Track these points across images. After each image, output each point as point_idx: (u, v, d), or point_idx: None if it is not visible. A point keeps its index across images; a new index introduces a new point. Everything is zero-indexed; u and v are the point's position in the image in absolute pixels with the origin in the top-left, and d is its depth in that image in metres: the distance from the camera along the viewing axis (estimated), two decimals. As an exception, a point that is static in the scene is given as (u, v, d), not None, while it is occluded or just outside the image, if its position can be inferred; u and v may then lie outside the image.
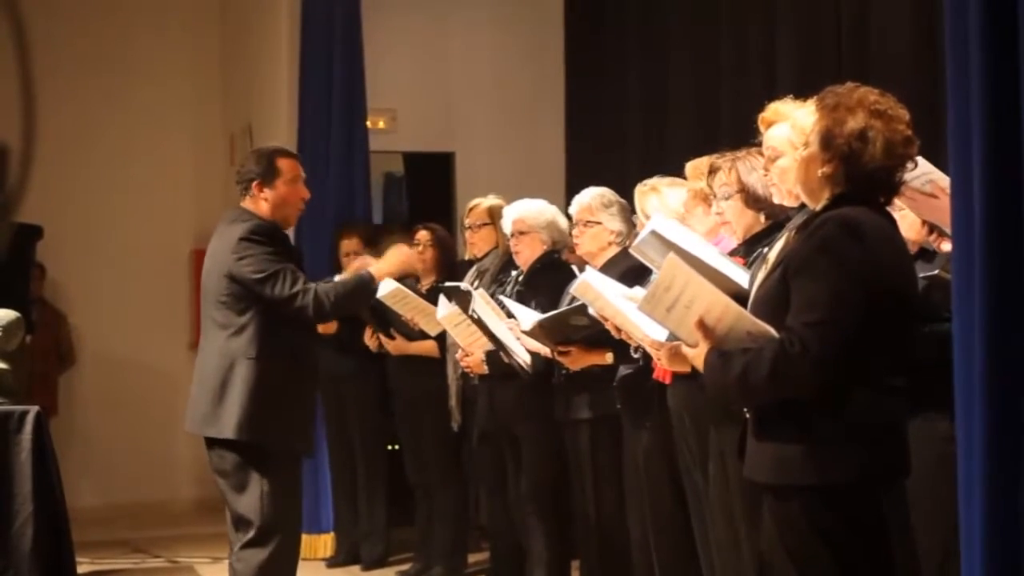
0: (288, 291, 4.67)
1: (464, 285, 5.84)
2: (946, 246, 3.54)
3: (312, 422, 4.99)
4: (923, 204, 3.44)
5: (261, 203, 4.82)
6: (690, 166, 4.64)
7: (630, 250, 3.94)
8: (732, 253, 3.96)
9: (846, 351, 2.86)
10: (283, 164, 4.86)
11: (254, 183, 4.82)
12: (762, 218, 4.05)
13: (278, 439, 4.72)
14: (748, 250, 3.99)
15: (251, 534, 4.66)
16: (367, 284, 4.94)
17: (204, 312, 4.83)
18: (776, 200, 3.66)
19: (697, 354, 3.03)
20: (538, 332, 4.93)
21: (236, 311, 4.69)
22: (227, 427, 4.63)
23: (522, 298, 5.39)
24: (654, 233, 3.64)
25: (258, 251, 4.69)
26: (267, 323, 4.70)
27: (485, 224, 6.13)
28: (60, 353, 9.09)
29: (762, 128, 3.64)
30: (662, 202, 4.69)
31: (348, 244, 6.97)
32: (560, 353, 4.96)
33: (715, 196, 4.15)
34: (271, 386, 4.66)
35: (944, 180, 3.30)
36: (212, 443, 4.74)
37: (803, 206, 3.20)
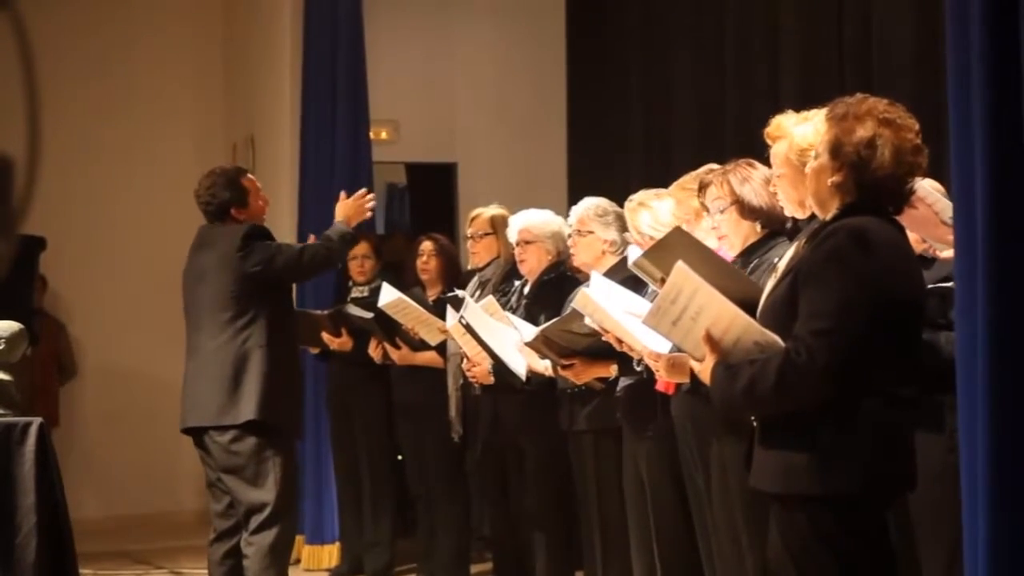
0: (295, 252, 5.18)
1: (462, 294, 5.83)
2: (946, 253, 3.53)
3: (302, 407, 5.58)
4: (906, 218, 3.42)
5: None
6: (675, 186, 4.56)
7: (629, 266, 3.87)
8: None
9: (854, 360, 2.86)
10: (247, 182, 5.29)
11: (231, 209, 5.22)
12: (758, 228, 4.06)
13: (287, 419, 5.18)
14: (745, 261, 4.00)
15: (263, 517, 5.03)
16: (342, 229, 5.39)
17: (199, 318, 5.26)
18: (788, 212, 3.67)
19: (704, 368, 3.02)
20: (541, 344, 4.90)
21: (245, 307, 5.10)
22: (247, 410, 5.01)
23: (531, 311, 5.39)
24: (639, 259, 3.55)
25: (258, 244, 5.13)
26: (273, 315, 5.13)
27: (488, 234, 6.11)
28: (61, 364, 9.06)
29: (769, 143, 3.66)
30: (654, 217, 4.67)
31: (356, 248, 6.83)
32: (564, 367, 4.94)
33: (708, 211, 4.15)
34: (280, 371, 5.09)
35: (921, 189, 3.28)
36: (225, 435, 5.05)
37: (813, 216, 3.20)
